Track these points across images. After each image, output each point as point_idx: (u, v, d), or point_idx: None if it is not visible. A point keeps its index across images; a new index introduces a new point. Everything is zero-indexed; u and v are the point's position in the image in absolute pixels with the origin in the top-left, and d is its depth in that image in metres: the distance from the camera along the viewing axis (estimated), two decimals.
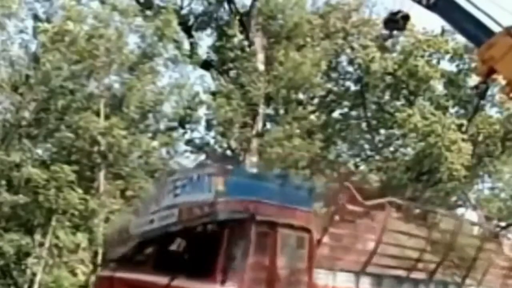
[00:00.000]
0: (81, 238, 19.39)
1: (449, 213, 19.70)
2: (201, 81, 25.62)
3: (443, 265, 16.69)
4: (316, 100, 29.01)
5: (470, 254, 17.52)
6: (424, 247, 16.13)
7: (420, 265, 16.12)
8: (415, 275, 16.04)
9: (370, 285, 14.58)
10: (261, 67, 24.81)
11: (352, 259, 14.42)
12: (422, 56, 28.63)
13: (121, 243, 12.44)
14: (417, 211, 17.77)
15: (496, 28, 12.00)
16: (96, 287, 13.84)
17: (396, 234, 15.47)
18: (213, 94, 25.04)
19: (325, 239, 13.35)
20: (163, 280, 11.37)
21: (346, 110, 30.69)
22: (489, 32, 12.02)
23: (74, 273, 18.84)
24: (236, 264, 11.57)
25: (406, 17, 13.70)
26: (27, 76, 20.64)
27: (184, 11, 26.50)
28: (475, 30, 12.17)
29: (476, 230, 19.22)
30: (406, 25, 14.21)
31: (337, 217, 13.92)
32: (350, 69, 29.47)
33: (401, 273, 15.68)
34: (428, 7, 12.53)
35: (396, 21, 13.69)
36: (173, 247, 12.26)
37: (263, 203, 12.23)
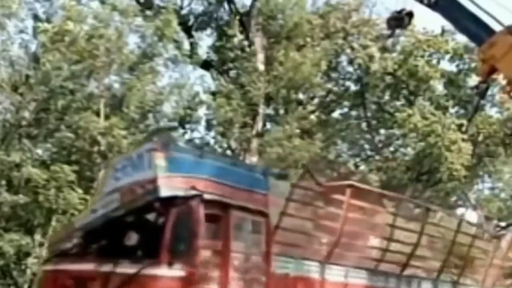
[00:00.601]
0: None
1: (418, 201, 18.19)
2: (201, 81, 25.71)
3: (416, 258, 15.54)
4: (316, 100, 29.02)
5: (446, 248, 16.46)
6: (395, 237, 14.92)
7: (390, 257, 14.90)
8: (385, 267, 14.89)
9: (336, 275, 13.57)
10: (261, 67, 24.82)
11: (316, 247, 13.53)
12: (422, 56, 28.63)
13: (66, 238, 11.71)
14: (382, 197, 16.19)
15: (497, 27, 11.99)
16: (41, 281, 12.94)
17: (364, 222, 14.47)
18: (213, 94, 25.05)
19: (285, 224, 12.36)
20: (106, 267, 10.62)
21: (346, 110, 30.75)
22: (490, 31, 12.01)
23: None
24: (183, 245, 10.69)
25: (410, 15, 13.70)
26: (27, 76, 20.65)
27: (184, 11, 26.54)
28: (476, 29, 12.16)
29: (448, 221, 17.60)
30: (410, 23, 14.17)
31: (296, 201, 12.81)
32: (350, 69, 29.51)
33: (370, 264, 14.54)
34: (430, 6, 12.53)
35: (401, 19, 13.68)
36: (118, 233, 11.20)
37: (212, 182, 11.31)
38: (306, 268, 12.93)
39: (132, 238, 11.32)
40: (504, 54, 11.71)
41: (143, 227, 11.34)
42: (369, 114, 30.24)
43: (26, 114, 20.47)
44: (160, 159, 10.95)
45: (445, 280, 16.91)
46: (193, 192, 10.85)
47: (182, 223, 10.70)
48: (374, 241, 14.84)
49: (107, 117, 20.35)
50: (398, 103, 29.42)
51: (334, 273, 13.49)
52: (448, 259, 16.50)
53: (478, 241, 17.78)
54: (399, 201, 16.06)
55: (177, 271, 10.56)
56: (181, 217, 10.75)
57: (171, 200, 10.78)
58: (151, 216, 11.37)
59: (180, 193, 10.82)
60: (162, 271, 10.51)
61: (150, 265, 10.49)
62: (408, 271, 15.53)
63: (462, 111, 29.72)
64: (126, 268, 10.53)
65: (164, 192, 10.74)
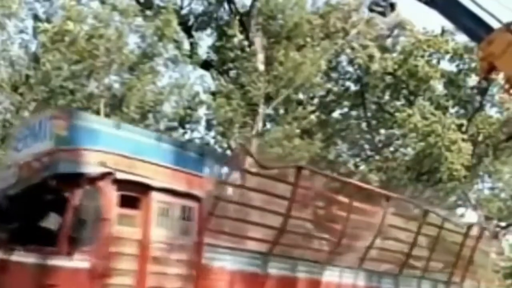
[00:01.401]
0: None
1: (380, 190, 15.67)
2: (201, 81, 25.70)
3: (377, 251, 13.80)
4: (316, 100, 29.08)
5: (410, 239, 14.60)
6: (352, 227, 12.99)
7: (346, 248, 13.14)
8: (341, 259, 13.08)
9: (282, 269, 11.86)
10: (261, 67, 24.80)
11: (259, 238, 11.72)
12: (422, 56, 28.65)
13: None
14: (338, 182, 14.02)
15: (496, 25, 11.97)
16: None
17: (315, 209, 12.85)
18: (213, 94, 25.05)
19: (222, 211, 10.66)
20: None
21: (346, 110, 30.79)
22: (488, 29, 11.96)
23: None
24: (87, 232, 8.96)
25: (392, 5, 13.75)
26: (27, 76, 20.67)
27: (184, 11, 26.56)
28: (474, 26, 12.14)
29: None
30: (391, 12, 14.13)
31: (235, 185, 11.10)
32: (350, 69, 29.55)
33: (322, 257, 12.81)
34: (427, 3, 12.53)
35: (383, 7, 13.74)
36: (14, 214, 9.58)
37: (129, 158, 9.52)
38: (246, 262, 11.25)
39: (29, 221, 9.75)
40: (502, 52, 11.64)
41: (41, 209, 9.63)
42: (369, 114, 30.27)
43: (26, 114, 20.47)
44: (61, 128, 9.36)
45: (409, 275, 15.29)
46: (102, 169, 9.23)
47: (87, 205, 9.07)
48: (327, 231, 13.12)
49: (107, 117, 20.35)
50: (398, 103, 29.45)
51: (279, 267, 11.85)
52: (412, 251, 14.78)
53: (447, 232, 16.05)
54: (356, 188, 13.79)
55: (79, 262, 9.00)
56: (86, 199, 9.08)
57: (74, 178, 9.10)
58: (50, 196, 9.53)
59: (86, 169, 9.15)
60: (60, 261, 8.93)
61: (46, 255, 8.94)
62: (367, 265, 13.83)
63: (462, 111, 29.76)
64: (20, 257, 8.96)
65: (64, 167, 9.12)
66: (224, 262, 10.82)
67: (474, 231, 17.14)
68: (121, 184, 9.31)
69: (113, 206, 9.26)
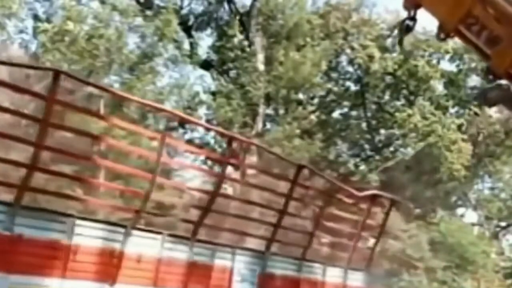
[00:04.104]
0: None
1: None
2: (201, 81, 25.73)
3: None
4: (316, 100, 29.10)
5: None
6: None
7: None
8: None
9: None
10: (261, 67, 24.83)
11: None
12: (422, 56, 28.65)
13: None
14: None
15: None
16: None
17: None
18: (213, 94, 25.08)
19: None
20: None
21: (346, 110, 30.81)
22: None
23: None
24: None
25: None
26: (27, 76, 20.63)
27: (184, 11, 26.60)
28: None
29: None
30: None
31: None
32: (350, 69, 29.57)
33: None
34: None
35: None
36: None
37: None
38: None
39: None
40: None
41: None
42: (369, 114, 30.28)
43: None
44: None
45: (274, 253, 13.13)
46: None
47: None
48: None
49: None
50: (398, 103, 29.47)
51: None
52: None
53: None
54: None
55: None
56: None
57: None
58: None
59: None
60: None
61: None
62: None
63: (462, 111, 29.74)
64: None
65: None
66: None
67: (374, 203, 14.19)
68: None
69: None
